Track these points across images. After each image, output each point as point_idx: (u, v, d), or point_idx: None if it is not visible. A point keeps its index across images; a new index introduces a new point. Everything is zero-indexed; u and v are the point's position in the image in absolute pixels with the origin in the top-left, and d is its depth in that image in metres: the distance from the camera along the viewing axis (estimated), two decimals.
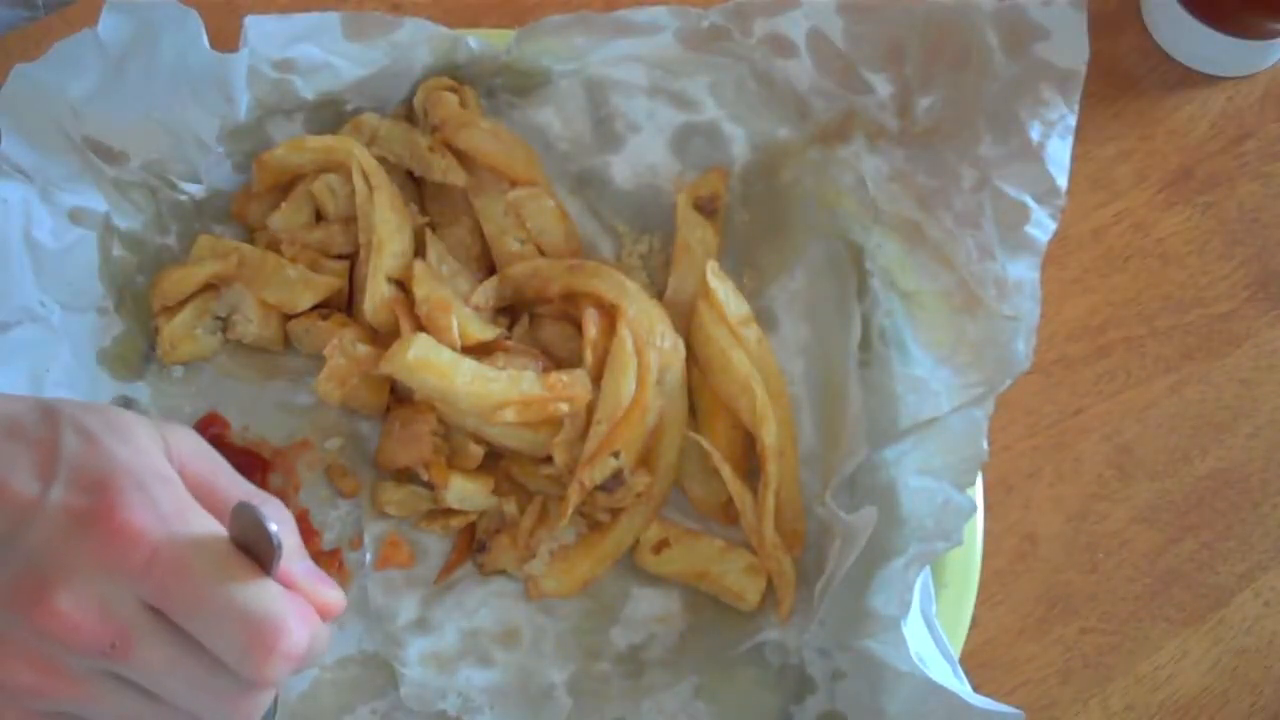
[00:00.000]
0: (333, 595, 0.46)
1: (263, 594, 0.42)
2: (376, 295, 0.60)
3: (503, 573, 0.61)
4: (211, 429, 0.62)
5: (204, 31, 0.60)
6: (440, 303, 0.59)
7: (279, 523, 0.43)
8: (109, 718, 0.43)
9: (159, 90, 0.61)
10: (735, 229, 0.65)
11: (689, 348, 0.62)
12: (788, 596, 0.59)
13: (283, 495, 0.61)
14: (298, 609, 0.43)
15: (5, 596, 0.40)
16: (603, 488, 0.59)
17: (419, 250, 0.62)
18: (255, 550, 0.43)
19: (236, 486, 0.47)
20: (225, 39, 0.61)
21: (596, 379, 0.60)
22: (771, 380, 0.61)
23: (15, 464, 0.42)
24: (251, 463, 0.62)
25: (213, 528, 0.43)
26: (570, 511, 0.59)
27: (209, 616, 0.41)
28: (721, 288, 0.61)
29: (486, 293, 0.62)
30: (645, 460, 0.60)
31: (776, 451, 0.60)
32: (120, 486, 0.41)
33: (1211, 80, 0.74)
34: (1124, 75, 0.74)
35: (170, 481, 0.44)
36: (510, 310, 0.64)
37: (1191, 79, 0.74)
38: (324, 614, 0.45)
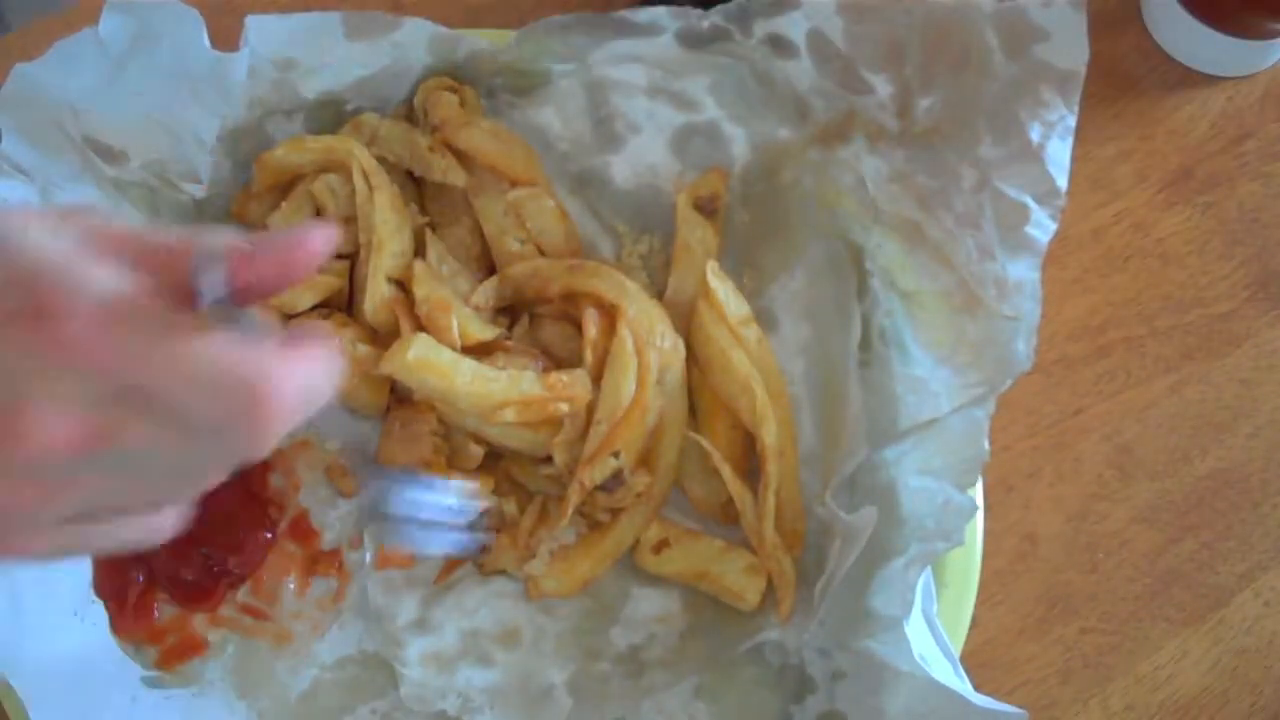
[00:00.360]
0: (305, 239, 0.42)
1: (230, 353, 0.37)
2: (376, 295, 0.60)
3: (503, 573, 0.61)
4: None
5: (204, 31, 0.60)
6: (440, 303, 0.59)
7: (214, 255, 0.40)
8: (113, 502, 0.40)
9: (159, 90, 0.61)
10: (735, 229, 0.65)
11: (689, 348, 0.62)
12: (788, 596, 0.59)
13: (282, 495, 0.61)
14: (277, 356, 0.38)
15: None
16: (603, 488, 0.59)
17: (419, 250, 0.62)
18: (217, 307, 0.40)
19: (160, 236, 0.42)
20: (225, 39, 0.61)
21: (597, 379, 0.60)
22: (771, 380, 0.61)
23: None
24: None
25: (142, 301, 0.39)
26: (570, 512, 0.59)
27: (181, 389, 0.37)
28: (721, 288, 0.61)
29: (487, 293, 0.62)
30: (645, 460, 0.60)
31: (776, 451, 0.60)
32: (51, 282, 0.37)
33: (1211, 80, 0.74)
34: (1124, 75, 0.74)
35: (95, 260, 0.39)
36: (510, 310, 0.64)
37: (1191, 79, 0.74)
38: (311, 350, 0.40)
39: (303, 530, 0.61)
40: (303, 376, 0.38)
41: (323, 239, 0.42)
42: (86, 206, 0.42)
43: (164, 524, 0.42)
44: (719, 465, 0.60)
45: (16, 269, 0.38)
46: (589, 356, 0.60)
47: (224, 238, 0.41)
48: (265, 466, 0.62)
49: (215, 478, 0.40)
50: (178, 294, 0.40)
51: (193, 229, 0.43)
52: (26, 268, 0.38)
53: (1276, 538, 0.65)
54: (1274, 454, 0.67)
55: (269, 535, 0.61)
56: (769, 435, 0.60)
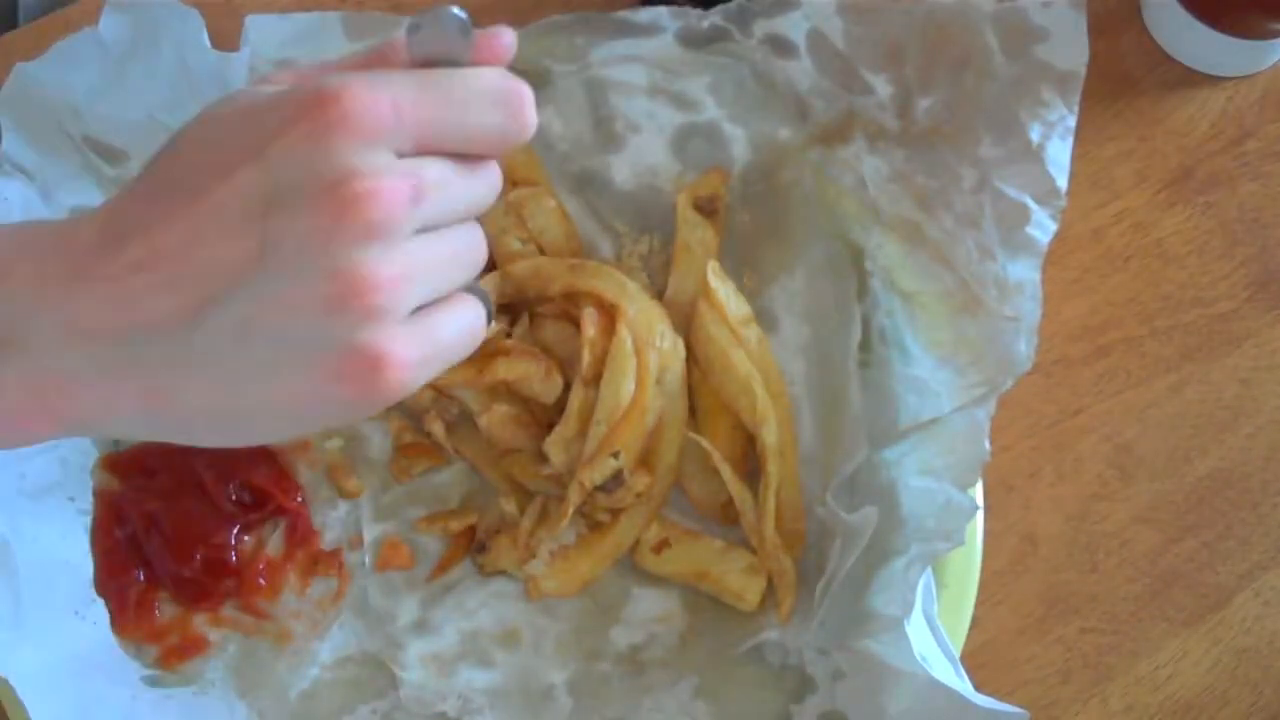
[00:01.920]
0: (503, 34, 0.45)
1: (482, 77, 0.43)
2: None
3: (503, 573, 0.61)
4: None
5: (205, 31, 0.60)
6: None
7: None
8: (448, 271, 0.43)
9: (159, 90, 0.61)
10: (735, 229, 0.65)
11: (689, 348, 0.62)
12: (788, 597, 0.59)
13: (284, 496, 0.62)
14: (503, 73, 0.44)
15: (315, 218, 0.39)
16: (603, 488, 0.59)
17: None
18: (437, 60, 0.44)
19: (363, 52, 0.46)
20: (225, 39, 0.61)
21: (595, 378, 0.60)
22: (772, 381, 0.61)
23: (223, 148, 0.40)
24: (254, 454, 0.62)
25: (394, 71, 0.43)
26: (570, 512, 0.59)
27: (464, 121, 0.42)
28: (722, 288, 0.61)
29: (488, 289, 0.62)
30: (645, 460, 0.60)
31: (776, 452, 0.60)
32: (324, 88, 0.40)
33: (1211, 80, 0.74)
34: (1124, 75, 0.74)
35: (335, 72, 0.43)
36: (510, 309, 0.64)
37: (1191, 79, 0.74)
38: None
39: (303, 530, 0.61)
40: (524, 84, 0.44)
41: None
42: (294, 64, 0.47)
43: (480, 314, 0.44)
44: (719, 465, 0.60)
45: (284, 93, 0.41)
46: (587, 355, 0.60)
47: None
48: (270, 457, 0.62)
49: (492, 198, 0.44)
50: None
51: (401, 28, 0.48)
52: (291, 88, 0.41)
53: (1276, 538, 0.65)
54: (1274, 454, 0.67)
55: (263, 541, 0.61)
56: (769, 435, 0.60)
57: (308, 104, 0.40)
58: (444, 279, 0.42)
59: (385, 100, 0.40)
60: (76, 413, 0.41)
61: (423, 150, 0.41)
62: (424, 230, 0.41)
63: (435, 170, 0.41)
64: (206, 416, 0.41)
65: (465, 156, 0.43)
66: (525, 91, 0.43)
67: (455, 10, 0.43)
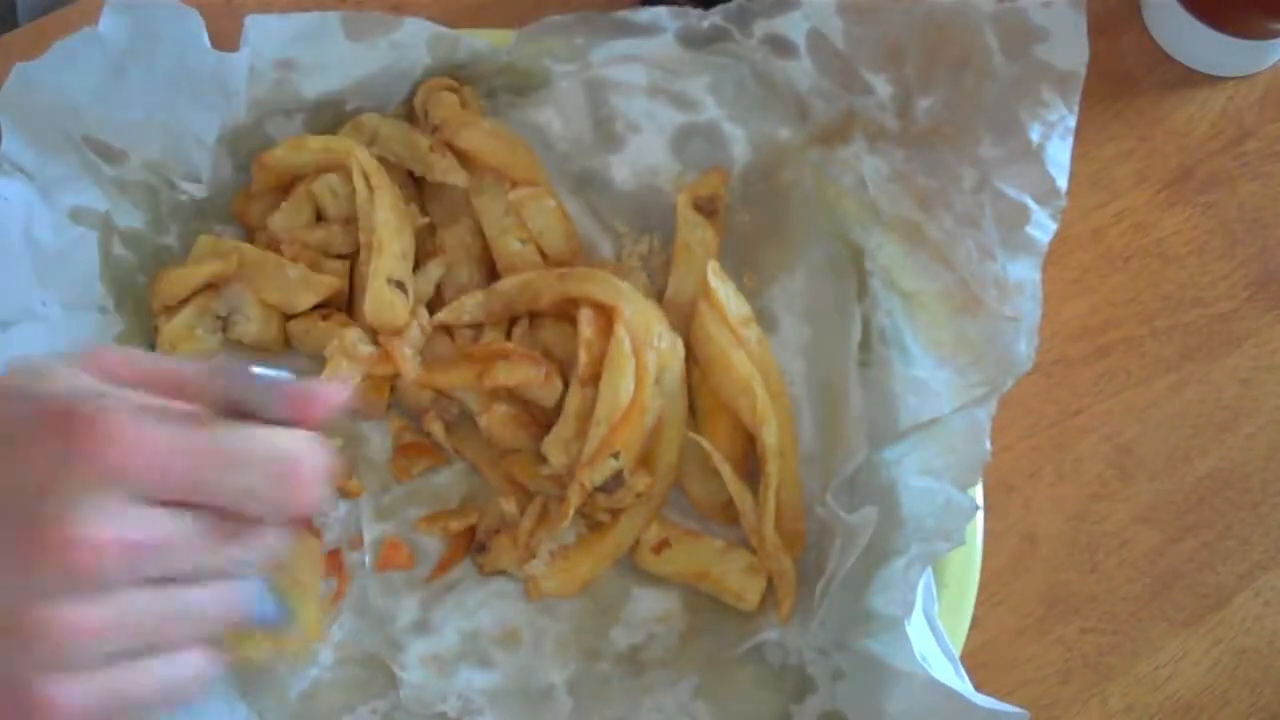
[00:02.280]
0: (322, 395, 0.44)
1: (265, 439, 0.41)
2: (377, 297, 0.60)
3: (503, 573, 0.61)
4: None
5: (204, 31, 0.60)
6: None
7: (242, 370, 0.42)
8: (159, 628, 0.41)
9: (159, 90, 0.61)
10: (735, 229, 0.65)
11: (689, 348, 0.62)
12: (788, 596, 0.59)
13: None
14: (299, 438, 0.42)
15: (25, 555, 0.38)
16: (603, 489, 0.59)
17: (420, 251, 0.62)
18: (240, 406, 0.42)
19: (172, 366, 0.44)
20: (225, 39, 0.61)
21: (592, 379, 0.60)
22: (772, 381, 0.61)
23: None
24: None
25: (174, 406, 0.41)
26: (571, 513, 0.59)
27: (223, 482, 0.40)
28: (722, 288, 0.61)
29: (473, 309, 0.62)
30: (645, 461, 0.60)
31: (777, 452, 0.60)
32: (82, 409, 0.39)
33: (1211, 80, 0.74)
34: (1124, 75, 0.74)
35: (116, 388, 0.41)
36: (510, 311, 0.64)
37: (1191, 79, 0.74)
38: (323, 407, 0.43)
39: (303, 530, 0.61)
40: (321, 456, 0.42)
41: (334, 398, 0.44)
42: (101, 348, 0.44)
43: (198, 667, 0.42)
44: (719, 465, 0.60)
45: (45, 400, 0.39)
46: (584, 356, 0.60)
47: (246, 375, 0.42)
48: None
49: (252, 569, 0.43)
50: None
51: (209, 362, 0.46)
52: (56, 395, 0.39)
53: (1276, 538, 0.65)
54: (1274, 454, 0.67)
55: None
56: (769, 435, 0.60)
57: (59, 424, 0.38)
58: (159, 634, 0.41)
59: (146, 442, 0.39)
60: None
61: (176, 502, 0.40)
62: (155, 582, 0.40)
63: (170, 528, 0.39)
64: None
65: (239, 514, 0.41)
66: (308, 466, 0.41)
67: (262, 371, 0.42)
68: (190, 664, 0.42)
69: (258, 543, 0.42)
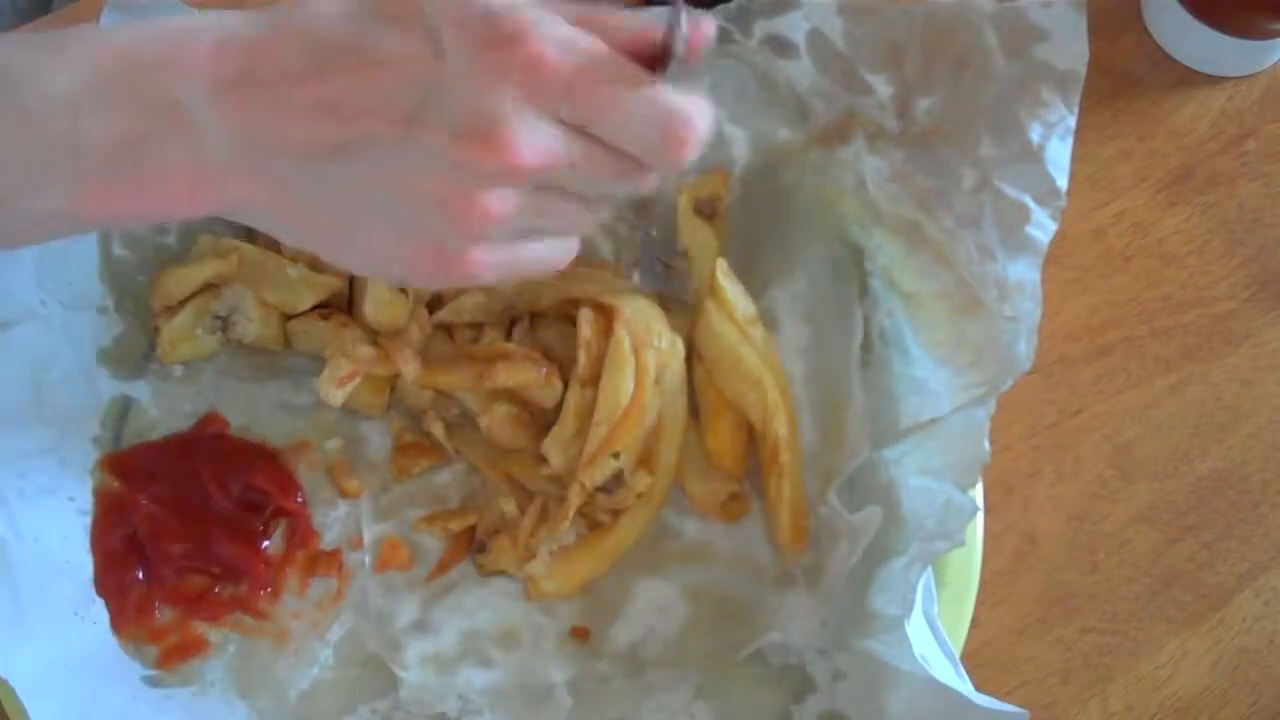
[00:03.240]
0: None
1: (665, 94, 0.45)
2: (377, 297, 0.60)
3: (502, 573, 0.61)
4: (211, 429, 0.62)
5: None
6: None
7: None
8: (552, 222, 0.48)
9: None
10: (736, 230, 0.65)
11: (693, 347, 0.62)
12: (798, 522, 0.60)
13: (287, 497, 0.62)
14: (695, 102, 0.45)
15: (458, 149, 0.43)
16: (603, 489, 0.59)
17: None
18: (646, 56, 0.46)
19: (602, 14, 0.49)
20: None
21: (592, 379, 0.60)
22: (778, 379, 0.61)
23: (388, 39, 0.44)
24: (255, 455, 0.62)
25: (599, 45, 0.45)
26: (571, 513, 0.59)
27: (626, 121, 0.44)
28: (731, 287, 0.61)
29: (473, 309, 0.62)
30: (645, 461, 0.60)
31: (789, 443, 0.60)
32: (512, 23, 0.43)
33: (1211, 80, 0.74)
34: (1124, 75, 0.74)
35: (539, 7, 0.45)
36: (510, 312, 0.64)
37: (1191, 79, 0.74)
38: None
39: (303, 530, 0.61)
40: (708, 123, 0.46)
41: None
42: None
43: (570, 247, 0.50)
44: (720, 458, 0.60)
45: (480, 6, 0.43)
46: (583, 357, 0.60)
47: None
48: (269, 455, 0.62)
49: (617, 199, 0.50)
50: None
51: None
52: (490, 7, 0.43)
53: (1276, 538, 0.65)
54: (1274, 454, 0.67)
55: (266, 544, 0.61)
56: (781, 428, 0.60)
57: (502, 37, 0.43)
58: (551, 226, 0.48)
59: (576, 72, 0.43)
60: (222, 201, 0.47)
61: (577, 126, 0.45)
62: (546, 188, 0.46)
63: (578, 149, 0.45)
64: (313, 234, 0.48)
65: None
66: (697, 128, 0.45)
67: (677, 22, 0.45)
68: (565, 247, 0.50)
69: (637, 182, 0.47)
